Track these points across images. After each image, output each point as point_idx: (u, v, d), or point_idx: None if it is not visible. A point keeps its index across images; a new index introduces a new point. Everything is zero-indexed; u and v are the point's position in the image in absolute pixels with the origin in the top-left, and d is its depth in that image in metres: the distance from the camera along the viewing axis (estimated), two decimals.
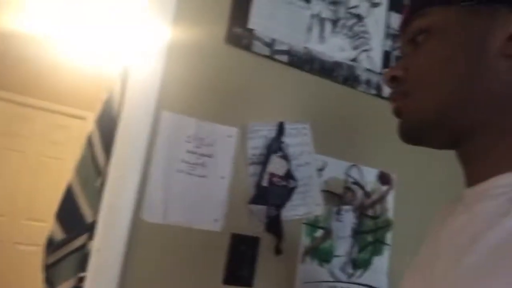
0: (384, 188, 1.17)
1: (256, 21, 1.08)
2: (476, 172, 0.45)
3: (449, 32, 0.44)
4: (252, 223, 0.98)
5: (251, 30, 1.06)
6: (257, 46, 1.07)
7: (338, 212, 1.08)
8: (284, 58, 1.11)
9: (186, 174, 0.94)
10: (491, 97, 0.42)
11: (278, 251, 0.97)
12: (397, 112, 0.50)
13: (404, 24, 0.50)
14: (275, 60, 1.09)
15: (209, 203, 0.94)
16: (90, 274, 0.85)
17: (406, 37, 0.50)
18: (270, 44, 1.09)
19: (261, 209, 0.96)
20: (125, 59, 1.02)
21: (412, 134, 0.49)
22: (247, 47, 1.06)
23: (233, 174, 0.98)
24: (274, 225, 0.97)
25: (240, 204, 0.98)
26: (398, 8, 1.33)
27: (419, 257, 0.50)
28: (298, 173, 1.04)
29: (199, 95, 0.99)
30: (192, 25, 1.00)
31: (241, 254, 0.94)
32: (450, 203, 0.52)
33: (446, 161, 1.23)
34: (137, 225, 0.88)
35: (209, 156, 0.96)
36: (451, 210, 0.49)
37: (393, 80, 0.50)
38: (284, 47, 1.11)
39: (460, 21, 0.43)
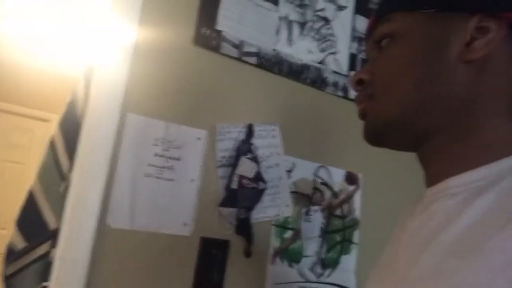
0: (351, 188, 1.20)
1: (225, 22, 1.07)
2: (434, 173, 0.46)
3: (411, 38, 0.45)
4: (222, 226, 0.97)
5: (219, 32, 1.06)
6: (226, 47, 1.06)
7: (307, 213, 1.09)
8: (253, 60, 1.11)
9: (154, 178, 0.92)
10: (450, 101, 0.43)
11: (248, 253, 0.97)
12: (363, 114, 0.51)
13: (370, 29, 0.52)
14: (244, 62, 1.09)
15: (178, 207, 0.93)
16: (54, 283, 0.82)
17: (372, 42, 0.51)
18: (238, 46, 1.09)
19: (231, 211, 0.96)
20: (89, 59, 0.99)
21: (376, 136, 0.50)
22: (216, 49, 1.05)
23: (202, 177, 0.97)
24: (244, 228, 0.97)
25: (209, 207, 0.97)
26: (363, 11, 1.36)
27: (382, 258, 0.52)
28: (267, 175, 1.04)
29: (167, 97, 0.97)
30: (159, 25, 0.99)
31: (211, 258, 0.94)
32: (411, 204, 0.53)
33: (411, 161, 1.28)
34: (103, 232, 0.86)
35: (178, 159, 0.95)
36: (411, 211, 0.50)
37: (359, 83, 0.51)
38: (252, 49, 1.11)
39: (421, 27, 0.45)
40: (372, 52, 0.51)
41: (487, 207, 0.37)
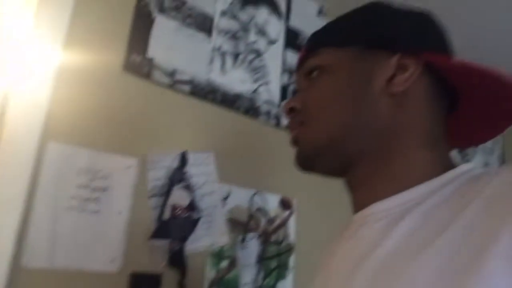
0: (286, 213, 1.21)
1: (156, 50, 1.06)
2: (360, 199, 0.49)
3: (339, 71, 0.49)
4: (154, 260, 0.92)
5: (150, 59, 1.05)
6: (157, 75, 1.05)
7: (243, 240, 1.07)
8: (186, 88, 1.10)
9: (77, 212, 0.85)
10: (373, 130, 0.46)
11: (181, 286, 0.92)
12: (294, 141, 0.53)
13: (301, 61, 0.55)
14: (176, 90, 1.08)
15: (104, 242, 0.87)
16: None
17: (303, 73, 0.54)
18: (171, 74, 1.08)
19: (163, 243, 0.91)
20: (5, 83, 0.91)
21: (306, 161, 0.52)
22: (147, 76, 1.03)
23: (132, 209, 0.92)
24: (177, 260, 0.93)
25: (140, 240, 0.91)
26: (293, 46, 1.43)
27: (314, 285, 0.52)
28: (202, 203, 1.02)
29: (94, 124, 0.92)
30: (87, 48, 0.95)
31: None
32: (341, 229, 0.55)
33: (343, 185, 1.33)
34: (17, 273, 0.76)
35: (104, 189, 0.89)
36: (340, 237, 0.51)
37: (291, 111, 0.53)
38: (185, 77, 1.11)
39: (348, 62, 0.48)
40: (303, 83, 0.54)
41: (410, 230, 0.39)
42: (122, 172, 0.93)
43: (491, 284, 0.29)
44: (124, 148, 0.95)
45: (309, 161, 0.51)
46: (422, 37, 0.47)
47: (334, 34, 0.52)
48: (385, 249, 0.39)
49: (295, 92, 1.38)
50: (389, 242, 0.39)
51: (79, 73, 0.92)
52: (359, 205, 0.48)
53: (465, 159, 1.98)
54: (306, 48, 0.54)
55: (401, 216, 0.41)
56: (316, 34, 0.55)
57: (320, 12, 1.58)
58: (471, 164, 0.44)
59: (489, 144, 2.27)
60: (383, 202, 0.44)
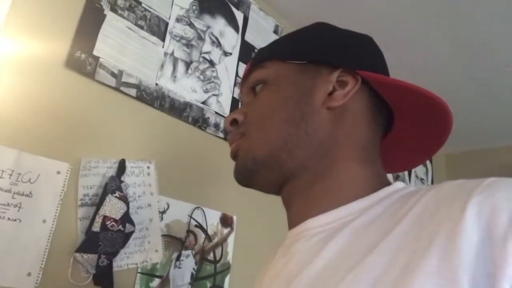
0: (226, 231, 1.18)
1: (103, 49, 0.99)
2: (294, 215, 0.48)
3: (281, 84, 0.50)
4: (77, 276, 0.84)
5: (96, 58, 0.98)
6: (102, 75, 0.98)
7: (178, 258, 1.02)
8: (132, 91, 1.04)
9: None
10: (311, 143, 0.47)
11: None
12: (234, 154, 0.52)
13: (246, 76, 0.55)
14: (121, 92, 1.02)
15: (22, 254, 0.77)
16: None
17: (247, 87, 0.54)
18: (117, 75, 1.01)
19: (89, 258, 0.84)
20: None
21: (245, 175, 0.51)
22: (90, 75, 0.96)
23: (58, 218, 0.84)
24: (104, 277, 0.86)
25: (64, 253, 0.83)
26: (247, 60, 1.43)
27: None
28: (137, 216, 0.96)
29: (24, 122, 0.84)
30: (26, 38, 0.86)
31: None
32: (277, 246, 0.54)
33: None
34: None
35: (29, 195, 0.80)
36: (275, 253, 0.51)
37: (233, 123, 0.53)
38: (133, 81, 1.05)
39: (291, 76, 0.50)
40: (247, 96, 0.55)
41: (341, 247, 0.39)
42: (51, 176, 0.85)
43: None
44: (56, 151, 0.87)
45: (248, 174, 0.50)
46: (361, 56, 0.50)
47: (279, 49, 0.54)
48: (314, 268, 0.39)
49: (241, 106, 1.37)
50: (319, 261, 0.39)
51: (15, 64, 0.83)
52: (293, 221, 0.48)
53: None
54: (252, 62, 0.55)
55: (333, 234, 0.41)
56: (262, 49, 0.57)
57: (276, 31, 1.59)
58: (404, 184, 0.46)
59: (421, 174, 2.43)
60: (316, 219, 0.44)
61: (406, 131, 0.52)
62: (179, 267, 1.02)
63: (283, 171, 0.48)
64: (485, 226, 0.29)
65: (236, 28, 1.42)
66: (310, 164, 0.47)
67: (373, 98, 0.49)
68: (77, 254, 0.83)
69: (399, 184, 0.45)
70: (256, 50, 1.48)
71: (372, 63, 0.50)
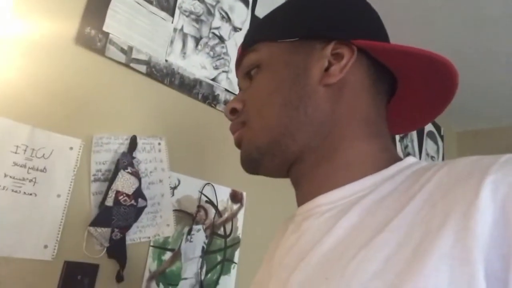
0: (235, 206, 1.20)
1: (113, 25, 0.99)
2: (303, 193, 0.48)
3: (275, 66, 0.48)
4: (92, 248, 0.87)
5: (106, 34, 0.97)
6: (112, 51, 0.98)
7: (189, 232, 1.05)
8: (142, 68, 1.04)
9: (10, 192, 0.78)
10: (313, 124, 0.46)
11: (119, 278, 0.88)
12: (238, 143, 0.52)
13: (239, 61, 0.53)
14: (131, 68, 1.02)
15: (38, 227, 0.80)
16: None
17: (242, 72, 0.53)
18: (127, 52, 1.01)
19: (103, 232, 0.86)
20: None
21: (251, 163, 0.50)
22: (100, 51, 0.96)
23: (72, 192, 0.86)
24: (117, 250, 0.88)
25: (78, 227, 0.86)
26: None
27: (256, 278, 0.51)
28: (149, 192, 0.97)
29: (37, 99, 0.84)
30: (35, 16, 0.86)
31: (76, 285, 0.82)
32: (285, 222, 0.54)
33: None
34: None
35: (43, 170, 0.82)
36: (284, 229, 0.51)
37: (233, 112, 0.52)
38: (142, 57, 1.05)
39: (284, 56, 0.48)
40: (243, 82, 0.53)
41: (353, 224, 0.38)
42: (64, 152, 0.86)
43: (432, 283, 0.28)
44: (69, 127, 0.88)
45: (253, 162, 0.50)
46: (355, 24, 0.47)
47: (268, 29, 0.51)
48: (325, 245, 0.38)
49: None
50: (330, 238, 0.39)
51: (25, 42, 0.84)
52: (303, 198, 0.48)
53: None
54: (242, 45, 0.53)
55: (344, 210, 0.40)
56: (251, 31, 0.54)
57: None
58: (415, 159, 0.44)
59: (432, 152, 2.41)
60: (326, 195, 0.44)
61: (411, 93, 0.50)
62: (190, 241, 1.04)
63: (288, 156, 0.48)
64: (501, 205, 0.29)
65: (246, 2, 1.39)
66: (314, 145, 0.46)
67: (372, 66, 0.47)
68: (91, 228, 0.86)
69: (410, 159, 0.44)
70: None
71: (367, 30, 0.48)
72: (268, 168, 0.50)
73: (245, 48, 0.52)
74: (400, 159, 0.44)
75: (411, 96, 0.50)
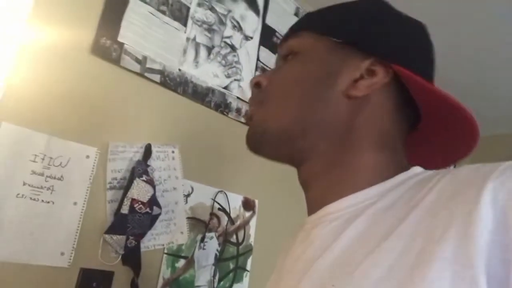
0: (248, 214, 1.20)
1: (128, 35, 1.01)
2: (314, 199, 0.48)
3: (309, 58, 0.48)
4: (107, 256, 0.88)
5: (121, 44, 0.99)
6: (127, 61, 1.00)
7: (202, 240, 1.05)
8: (156, 77, 1.06)
9: (28, 199, 0.79)
10: (326, 129, 0.46)
11: (134, 286, 0.89)
12: (249, 118, 0.52)
13: (283, 40, 0.53)
14: (146, 78, 1.04)
15: (55, 234, 0.81)
16: None
17: (281, 53, 0.53)
18: (141, 61, 1.03)
19: (118, 239, 0.87)
20: None
21: (254, 142, 0.50)
22: (116, 61, 0.98)
23: (88, 200, 0.87)
24: (132, 257, 0.89)
25: (94, 234, 0.87)
26: (268, 44, 1.42)
27: (268, 285, 0.52)
28: (163, 199, 0.98)
29: (54, 108, 0.86)
30: (53, 26, 0.88)
31: None
32: (297, 230, 0.54)
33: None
34: None
35: (60, 178, 0.84)
36: (295, 238, 0.51)
37: (257, 86, 0.52)
38: (156, 66, 1.06)
39: (321, 52, 0.48)
40: (279, 62, 0.53)
41: (359, 232, 0.39)
42: (81, 161, 0.88)
43: None
44: (84, 136, 0.90)
45: (257, 143, 0.50)
46: (403, 48, 0.47)
47: (318, 20, 0.51)
48: (333, 252, 0.39)
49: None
50: (338, 245, 0.39)
51: (42, 51, 0.86)
52: (313, 205, 0.48)
53: None
54: (291, 27, 0.53)
55: (351, 219, 0.41)
56: (305, 16, 0.54)
57: (296, 14, 1.57)
58: (422, 168, 0.45)
59: None
60: (334, 204, 0.44)
61: (433, 133, 0.50)
62: (203, 248, 1.05)
63: (294, 149, 0.48)
64: (500, 211, 0.29)
65: (256, 11, 1.41)
66: (324, 148, 0.46)
67: (400, 93, 0.46)
68: (106, 235, 0.87)
69: (416, 169, 0.44)
70: (277, 34, 1.47)
71: (413, 57, 0.47)
72: (269, 153, 0.50)
73: (292, 30, 0.52)
74: (407, 169, 0.45)
75: (433, 135, 0.50)
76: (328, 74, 0.46)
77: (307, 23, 0.51)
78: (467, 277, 0.28)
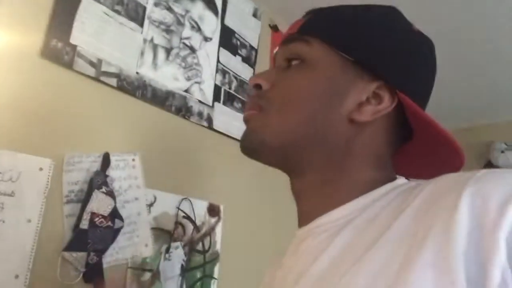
0: (213, 220, 1.18)
1: (81, 37, 0.94)
2: (305, 211, 0.49)
3: (318, 73, 0.46)
4: (67, 275, 0.82)
5: (74, 46, 0.93)
6: (81, 64, 0.94)
7: (168, 251, 1.02)
8: (113, 81, 1.00)
9: None
10: (325, 148, 0.46)
11: None
12: (246, 120, 0.50)
13: (288, 39, 0.50)
14: (101, 82, 0.98)
15: (7, 255, 0.74)
16: None
17: (286, 53, 0.50)
18: (96, 65, 0.97)
19: (79, 256, 0.81)
20: None
21: (249, 149, 0.50)
22: (68, 65, 0.91)
23: (44, 216, 0.80)
24: (94, 274, 0.84)
25: (51, 253, 0.81)
26: (228, 45, 1.40)
27: None
28: (124, 211, 0.93)
29: (1, 116, 0.79)
30: None
31: None
32: (288, 244, 0.55)
33: (271, 192, 1.34)
34: None
35: (11, 194, 0.77)
36: (286, 250, 0.52)
37: (257, 87, 0.50)
38: (112, 70, 1.01)
39: (331, 68, 0.46)
40: (280, 61, 0.51)
41: (346, 243, 0.40)
42: (33, 174, 0.81)
43: None
44: (36, 146, 0.83)
45: (252, 151, 0.49)
46: (410, 75, 0.46)
47: (330, 30, 0.48)
48: (321, 264, 0.40)
49: (229, 94, 1.35)
50: (326, 257, 0.40)
51: None
52: (304, 218, 0.49)
53: None
54: (300, 26, 0.49)
55: (338, 231, 0.42)
56: (317, 16, 0.50)
57: (255, 15, 1.56)
58: (405, 180, 0.47)
59: None
60: (323, 217, 0.45)
61: (420, 152, 0.51)
62: (169, 259, 1.01)
63: (289, 164, 0.48)
64: (477, 216, 0.31)
65: (215, 11, 1.38)
66: (319, 166, 0.47)
67: (399, 116, 0.47)
68: (65, 253, 0.81)
69: (400, 180, 0.46)
70: (236, 35, 1.45)
71: (417, 85, 0.47)
72: (264, 160, 0.50)
73: (301, 31, 0.49)
74: (393, 180, 0.46)
75: (418, 153, 0.51)
76: (335, 93, 0.46)
77: (317, 30, 0.48)
78: (447, 279, 0.29)
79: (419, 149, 0.51)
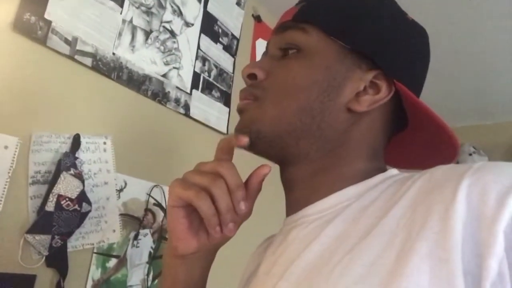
0: None
1: (56, 12, 0.90)
2: (294, 200, 0.48)
3: (315, 62, 0.46)
4: (29, 258, 0.79)
5: (48, 22, 0.89)
6: (55, 41, 0.90)
7: (136, 237, 1.00)
8: (88, 61, 0.97)
9: None
10: (321, 139, 0.45)
11: None
12: (240, 110, 0.49)
13: (283, 27, 0.49)
14: (76, 61, 0.94)
15: None
16: None
17: (279, 42, 0.49)
18: (71, 42, 0.93)
19: (42, 239, 0.79)
20: None
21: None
22: (42, 41, 0.87)
23: (7, 196, 0.77)
24: (58, 258, 0.82)
25: (13, 235, 0.78)
26: (209, 32, 1.37)
27: (239, 284, 0.51)
28: (93, 195, 0.91)
29: None
30: None
31: None
32: (268, 239, 0.54)
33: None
34: None
35: None
36: (272, 240, 0.51)
37: (251, 77, 0.49)
38: (88, 49, 0.97)
39: (328, 57, 0.45)
40: (274, 51, 0.49)
41: (338, 232, 0.39)
42: None
43: (413, 282, 0.30)
44: (3, 124, 0.79)
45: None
46: (407, 63, 0.46)
47: (327, 17, 0.46)
48: (312, 252, 0.39)
49: (208, 83, 1.33)
50: (317, 245, 0.40)
51: None
52: (293, 206, 0.48)
53: None
54: (295, 14, 0.48)
55: (330, 219, 0.41)
56: (313, 3, 0.48)
57: (238, 3, 1.54)
58: (398, 171, 0.47)
59: None
60: (313, 206, 0.44)
61: (414, 141, 0.52)
62: (137, 246, 1.00)
63: (284, 154, 0.47)
64: (475, 207, 0.31)
65: None
66: (315, 156, 0.46)
67: (395, 106, 0.47)
68: (28, 235, 0.78)
69: (392, 171, 0.46)
70: (218, 23, 1.43)
71: (413, 74, 0.47)
72: (258, 151, 0.48)
73: (297, 18, 0.47)
74: (384, 171, 0.46)
75: (413, 143, 0.52)
76: (333, 82, 0.45)
77: (314, 17, 0.46)
78: (444, 270, 0.29)
79: (413, 139, 0.52)
